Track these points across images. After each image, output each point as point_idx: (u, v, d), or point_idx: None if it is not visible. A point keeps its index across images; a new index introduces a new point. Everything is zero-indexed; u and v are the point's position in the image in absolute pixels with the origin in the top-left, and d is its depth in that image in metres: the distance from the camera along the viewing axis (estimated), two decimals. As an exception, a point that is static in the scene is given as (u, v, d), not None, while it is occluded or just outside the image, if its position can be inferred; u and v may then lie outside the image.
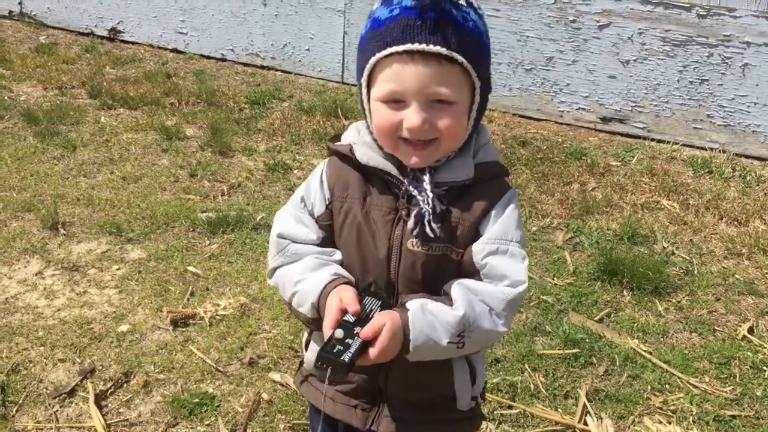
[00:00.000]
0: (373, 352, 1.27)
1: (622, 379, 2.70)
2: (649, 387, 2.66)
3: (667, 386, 2.68)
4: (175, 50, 6.51)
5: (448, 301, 1.34)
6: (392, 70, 1.29)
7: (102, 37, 6.78)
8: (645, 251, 3.54)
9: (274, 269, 1.46)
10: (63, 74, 5.77)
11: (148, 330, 2.90)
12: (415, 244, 1.37)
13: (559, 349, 2.83)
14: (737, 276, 3.37)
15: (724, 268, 3.44)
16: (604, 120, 5.06)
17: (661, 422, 2.51)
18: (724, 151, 4.67)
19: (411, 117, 1.29)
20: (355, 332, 1.27)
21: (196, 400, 2.54)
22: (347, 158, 1.43)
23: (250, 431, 2.43)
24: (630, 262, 3.29)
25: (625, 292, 3.21)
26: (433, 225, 1.35)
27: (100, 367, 2.69)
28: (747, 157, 4.64)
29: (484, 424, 2.44)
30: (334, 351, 1.25)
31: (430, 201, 1.35)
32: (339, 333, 1.26)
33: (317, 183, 1.46)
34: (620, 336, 2.93)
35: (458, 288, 1.35)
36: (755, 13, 4.44)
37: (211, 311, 2.99)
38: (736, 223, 3.83)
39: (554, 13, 5.04)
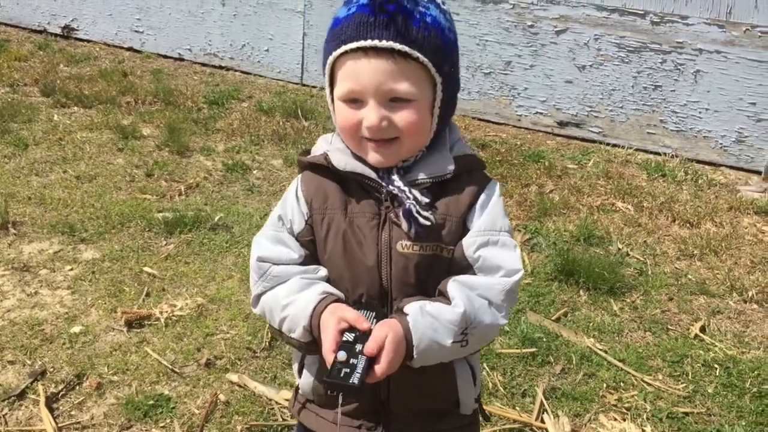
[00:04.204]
0: (380, 368, 1.22)
1: (579, 377, 2.73)
2: (605, 385, 2.70)
3: (621, 384, 2.72)
4: (131, 49, 6.41)
5: (446, 300, 1.31)
6: (348, 68, 1.28)
7: (55, 35, 6.64)
8: (601, 252, 3.59)
9: (258, 296, 1.39)
10: (15, 71, 5.64)
11: (102, 331, 2.84)
12: (405, 246, 1.34)
13: (516, 348, 2.85)
14: (689, 276, 3.44)
15: (676, 268, 3.51)
16: (561, 124, 5.13)
17: (616, 419, 2.54)
18: (676, 156, 4.77)
19: (369, 115, 1.28)
20: (357, 350, 1.22)
21: (151, 402, 2.49)
22: (322, 169, 1.39)
23: (206, 433, 2.39)
24: (586, 263, 3.34)
25: (581, 292, 3.25)
26: (425, 213, 1.31)
27: (52, 369, 2.63)
28: (699, 161, 4.75)
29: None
30: (341, 375, 1.19)
31: (408, 194, 1.32)
32: (342, 355, 1.20)
33: (293, 199, 1.41)
34: (577, 335, 2.96)
35: (454, 285, 1.31)
36: (707, 21, 4.56)
37: (167, 312, 2.94)
38: (688, 225, 3.92)
39: (513, 18, 5.10)
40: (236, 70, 6.08)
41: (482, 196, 1.37)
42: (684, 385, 2.72)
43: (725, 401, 2.65)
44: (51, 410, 2.44)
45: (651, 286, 3.33)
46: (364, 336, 1.24)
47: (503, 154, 4.66)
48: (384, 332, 1.24)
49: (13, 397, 2.48)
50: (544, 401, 2.57)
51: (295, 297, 1.33)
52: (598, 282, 3.25)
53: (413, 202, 1.31)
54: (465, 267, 1.35)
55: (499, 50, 5.19)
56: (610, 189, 4.27)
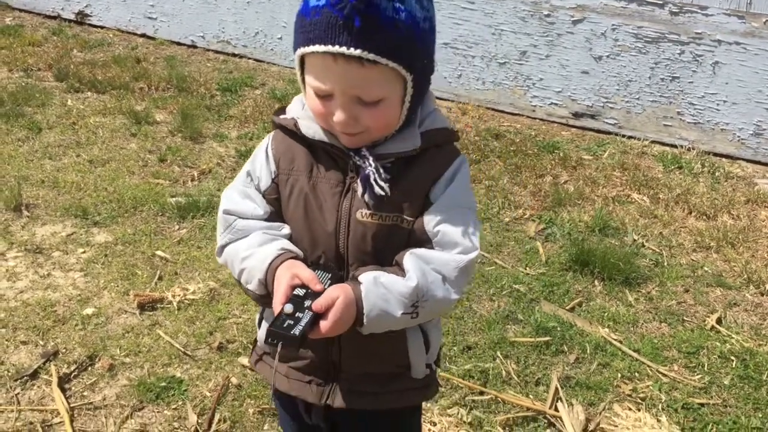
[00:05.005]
0: (325, 324, 1.25)
1: (593, 366, 2.71)
2: (619, 375, 2.67)
3: (636, 374, 2.69)
4: (144, 35, 6.40)
5: (401, 271, 1.33)
6: (316, 66, 1.27)
7: (69, 21, 6.63)
8: (616, 243, 3.56)
9: (223, 247, 1.43)
10: (29, 56, 5.64)
11: (114, 313, 2.84)
12: (365, 215, 1.35)
13: (530, 337, 2.82)
14: (706, 268, 3.40)
15: (693, 260, 3.48)
16: (576, 115, 5.09)
17: (630, 409, 2.52)
18: (693, 148, 4.72)
19: (337, 113, 1.29)
20: (305, 306, 1.25)
21: (163, 384, 2.48)
22: (292, 132, 1.41)
23: (218, 416, 2.38)
24: (601, 254, 3.31)
25: (596, 282, 3.22)
26: (381, 183, 1.32)
27: (64, 350, 2.62)
28: (716, 154, 4.69)
29: (455, 410, 2.44)
30: (284, 326, 1.21)
31: (371, 163, 1.33)
32: (288, 308, 1.24)
33: (263, 157, 1.44)
34: (591, 325, 2.93)
35: (410, 258, 1.33)
36: (726, 12, 4.50)
37: (179, 295, 2.94)
38: (704, 217, 3.87)
39: (529, 7, 5.05)
40: (249, 58, 6.05)
41: (447, 172, 1.38)
42: (700, 376, 2.69)
43: (741, 393, 2.62)
44: (63, 390, 2.44)
45: (667, 278, 3.30)
46: (315, 295, 1.27)
47: (518, 144, 4.63)
48: (336, 293, 1.27)
49: (25, 377, 2.48)
50: (559, 389, 2.55)
51: (255, 250, 1.36)
52: (613, 272, 3.22)
53: (373, 169, 1.33)
54: (424, 241, 1.37)
55: (515, 40, 5.14)
56: (626, 180, 4.22)
